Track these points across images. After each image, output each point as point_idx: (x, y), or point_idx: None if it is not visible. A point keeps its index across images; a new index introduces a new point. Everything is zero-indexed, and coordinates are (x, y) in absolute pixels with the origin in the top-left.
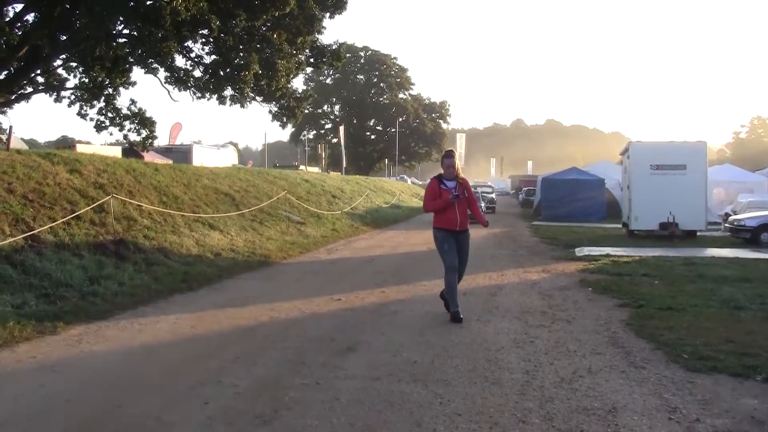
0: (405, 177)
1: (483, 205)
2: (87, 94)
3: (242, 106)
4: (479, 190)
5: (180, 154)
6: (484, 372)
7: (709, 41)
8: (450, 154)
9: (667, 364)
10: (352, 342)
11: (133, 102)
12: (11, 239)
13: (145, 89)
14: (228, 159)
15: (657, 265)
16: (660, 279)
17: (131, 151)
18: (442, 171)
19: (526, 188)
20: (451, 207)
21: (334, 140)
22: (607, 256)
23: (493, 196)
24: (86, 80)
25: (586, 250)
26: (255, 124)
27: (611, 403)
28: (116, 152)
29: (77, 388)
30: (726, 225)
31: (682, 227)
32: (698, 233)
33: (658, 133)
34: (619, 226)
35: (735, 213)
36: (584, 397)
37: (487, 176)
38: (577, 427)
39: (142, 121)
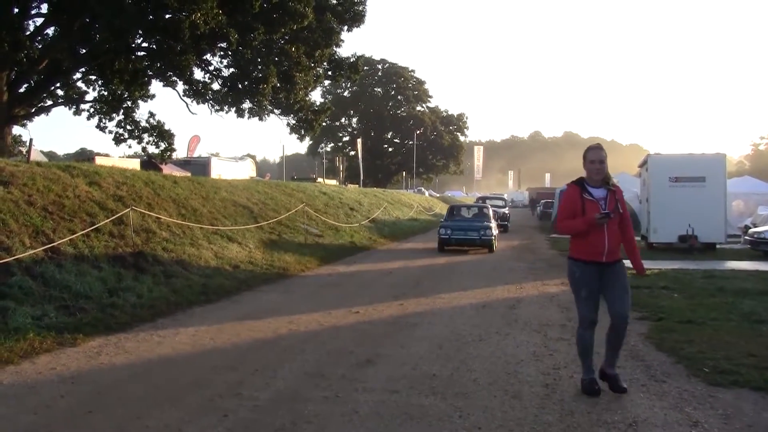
0: (423, 189)
1: (493, 225)
2: (106, 107)
3: (260, 119)
4: (488, 203)
5: (198, 166)
6: (503, 385)
7: (727, 53)
8: (598, 146)
9: (688, 378)
10: (371, 355)
11: (151, 115)
12: (31, 251)
13: (164, 102)
14: (246, 171)
15: (676, 278)
16: (679, 292)
17: (150, 163)
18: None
19: (543, 201)
20: (598, 228)
21: (352, 153)
22: (626, 269)
23: (506, 210)
24: (105, 93)
25: None
26: (273, 137)
27: (632, 416)
28: (135, 165)
29: (97, 400)
30: (746, 237)
31: (702, 240)
32: (718, 246)
33: (676, 145)
34: (638, 238)
35: (755, 225)
36: (605, 411)
37: (505, 189)
38: None
39: (161, 133)
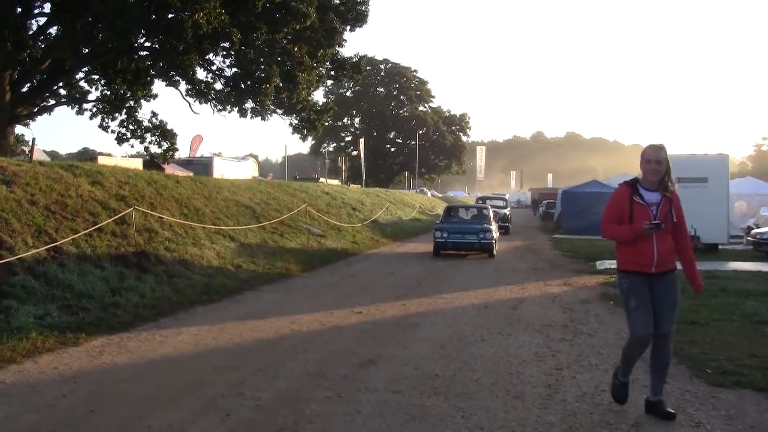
0: (425, 189)
1: (493, 227)
2: (109, 107)
3: (263, 118)
4: (488, 203)
5: (201, 166)
6: (505, 385)
7: (729, 53)
8: (659, 145)
9: (690, 378)
10: (373, 355)
11: (154, 114)
12: (34, 250)
13: (167, 102)
14: (248, 171)
15: (678, 278)
16: (682, 293)
17: (152, 163)
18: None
19: (546, 201)
20: (647, 236)
21: (354, 153)
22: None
23: (507, 211)
24: (108, 93)
25: (607, 264)
26: (275, 137)
27: (634, 417)
28: (137, 164)
29: (99, 400)
30: (748, 238)
31: (704, 240)
32: (720, 246)
33: (679, 146)
34: None
35: (757, 226)
36: (607, 412)
37: (507, 189)
38: None
39: (163, 133)
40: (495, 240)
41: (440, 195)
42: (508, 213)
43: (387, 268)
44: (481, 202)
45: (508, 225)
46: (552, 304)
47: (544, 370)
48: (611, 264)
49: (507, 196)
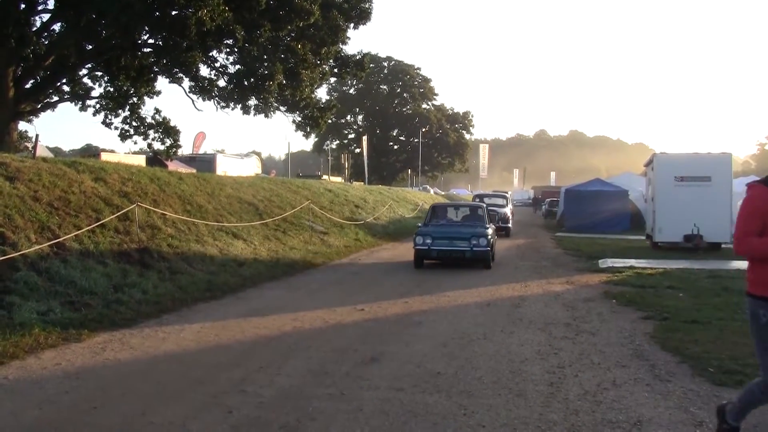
0: (428, 187)
1: (490, 231)
2: (112, 103)
3: (266, 115)
4: (486, 201)
5: (203, 163)
6: (508, 383)
7: (733, 52)
8: None
9: (693, 377)
10: (376, 352)
11: (157, 111)
12: (37, 246)
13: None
14: (251, 168)
15: (682, 277)
16: (685, 292)
17: (155, 159)
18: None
19: (549, 199)
20: None
21: (357, 150)
22: (631, 268)
23: (508, 210)
24: (111, 89)
25: (610, 262)
26: (278, 134)
27: (636, 416)
28: (140, 161)
29: (102, 396)
30: None
31: (707, 239)
32: (723, 245)
33: (682, 145)
34: (643, 237)
35: None
36: (609, 410)
37: (510, 187)
38: None
39: (167, 130)
40: (492, 246)
41: (443, 193)
42: (508, 213)
43: (390, 265)
44: (478, 200)
45: (508, 226)
46: (554, 302)
47: (546, 368)
48: (614, 263)
49: (509, 194)
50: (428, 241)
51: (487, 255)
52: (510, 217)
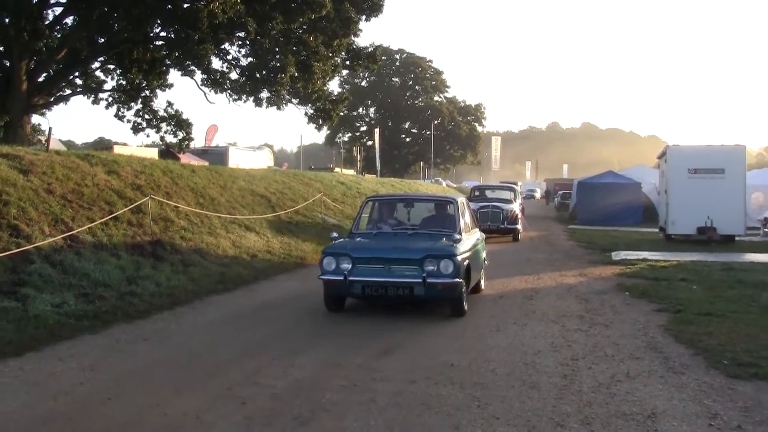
0: (440, 180)
1: (467, 246)
2: (124, 96)
3: (278, 108)
4: (488, 195)
5: (216, 155)
6: (521, 375)
7: (747, 44)
8: None
9: (707, 370)
10: (389, 345)
11: (169, 104)
12: (51, 239)
13: (182, 91)
14: (263, 161)
15: (695, 270)
16: (698, 284)
17: (168, 152)
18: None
19: (561, 192)
20: None
21: (369, 143)
22: (644, 260)
23: (516, 207)
24: (124, 82)
25: (623, 254)
26: (290, 126)
27: (650, 408)
28: (153, 154)
29: (116, 387)
30: (765, 230)
31: (721, 232)
32: (737, 238)
33: (696, 137)
34: (656, 230)
35: None
36: (623, 402)
37: (523, 179)
38: None
39: (179, 122)
40: (468, 273)
41: (455, 185)
42: (516, 210)
43: None
44: (476, 193)
45: (516, 228)
46: (567, 294)
47: (559, 361)
48: (627, 255)
49: (518, 186)
50: (346, 265)
51: (456, 291)
52: (519, 216)
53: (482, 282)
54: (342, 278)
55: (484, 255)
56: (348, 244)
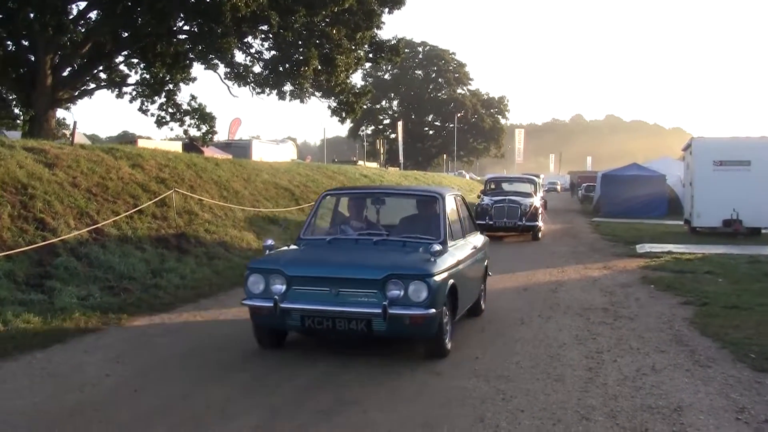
0: (463, 172)
1: (446, 261)
2: (148, 90)
3: (302, 101)
4: (505, 188)
5: (239, 149)
6: (546, 368)
7: None
8: None
9: (734, 363)
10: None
11: (193, 97)
12: (76, 232)
13: (205, 85)
14: (287, 154)
15: (721, 262)
16: (724, 277)
17: (191, 146)
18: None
19: (585, 184)
20: None
21: (393, 136)
22: (669, 253)
23: (537, 201)
24: (147, 76)
25: (648, 247)
26: (314, 120)
27: (676, 401)
28: (176, 147)
29: (142, 379)
30: None
31: (747, 224)
32: (763, 230)
33: (721, 129)
34: (681, 223)
35: None
36: (648, 395)
37: (546, 172)
38: (642, 425)
39: (202, 116)
40: (451, 305)
41: (479, 178)
42: (538, 205)
43: None
44: (491, 185)
45: (536, 225)
46: (592, 287)
47: (584, 354)
48: (652, 248)
49: (540, 178)
50: (278, 287)
51: (431, 326)
52: (540, 212)
53: (483, 303)
54: (271, 305)
55: (485, 266)
56: (283, 257)
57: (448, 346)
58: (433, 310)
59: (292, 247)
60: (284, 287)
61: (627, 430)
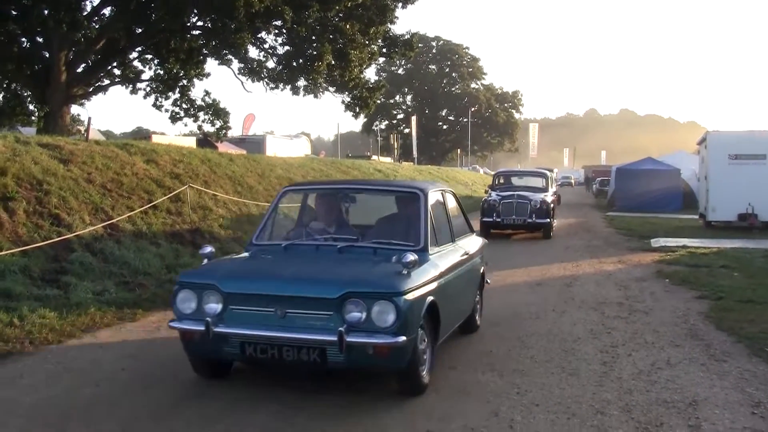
0: (477, 167)
1: (421, 289)
2: (162, 86)
3: (315, 96)
4: (514, 182)
5: (253, 144)
6: (560, 362)
7: None
8: None
9: (749, 357)
10: None
11: (207, 93)
12: (91, 228)
13: (219, 80)
14: (301, 149)
15: (736, 257)
16: (739, 271)
17: (205, 141)
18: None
19: (600, 179)
20: None
21: (407, 130)
22: (684, 247)
23: (548, 197)
24: (161, 72)
25: (662, 241)
26: (328, 115)
27: (691, 396)
28: (191, 143)
29: (158, 374)
30: None
31: (762, 218)
32: None
33: (736, 123)
34: (696, 217)
35: None
36: (663, 390)
37: (560, 166)
38: (657, 419)
39: (216, 111)
40: (430, 329)
41: (492, 172)
42: (549, 201)
43: None
44: (500, 180)
45: (548, 222)
46: (606, 281)
47: (599, 348)
48: (667, 242)
49: (554, 172)
50: (213, 305)
51: (402, 357)
52: (552, 209)
53: (478, 317)
54: (203, 328)
55: (481, 273)
56: (221, 268)
57: (426, 379)
58: (403, 338)
59: (241, 255)
60: (220, 306)
61: (642, 425)
